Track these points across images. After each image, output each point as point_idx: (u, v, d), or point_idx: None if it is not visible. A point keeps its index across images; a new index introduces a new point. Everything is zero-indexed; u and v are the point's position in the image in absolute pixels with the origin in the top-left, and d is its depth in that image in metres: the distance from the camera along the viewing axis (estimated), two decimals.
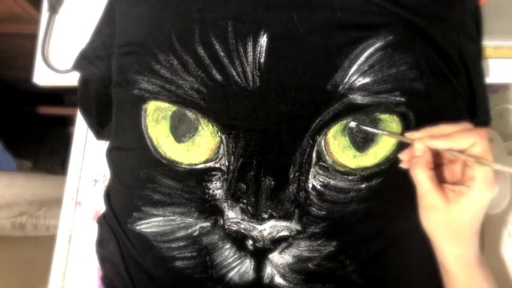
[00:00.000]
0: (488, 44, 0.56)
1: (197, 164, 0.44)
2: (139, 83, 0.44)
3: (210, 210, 0.44)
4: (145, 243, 0.46)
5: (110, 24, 0.50)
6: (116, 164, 0.49)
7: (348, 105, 0.42)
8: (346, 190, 0.43)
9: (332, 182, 0.43)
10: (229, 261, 0.44)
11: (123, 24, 0.48)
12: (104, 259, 0.52)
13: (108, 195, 0.51)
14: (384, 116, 0.42)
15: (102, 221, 0.52)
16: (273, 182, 0.43)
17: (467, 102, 0.47)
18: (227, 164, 0.43)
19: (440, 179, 0.39)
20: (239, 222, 0.43)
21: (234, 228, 0.44)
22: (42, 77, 0.64)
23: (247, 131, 0.43)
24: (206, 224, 0.44)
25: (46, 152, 1.55)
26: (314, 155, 0.43)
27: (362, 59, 0.41)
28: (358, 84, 0.41)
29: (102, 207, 0.53)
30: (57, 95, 1.46)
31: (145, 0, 0.46)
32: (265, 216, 0.43)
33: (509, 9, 0.54)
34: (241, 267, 0.44)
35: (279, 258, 0.44)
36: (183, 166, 0.44)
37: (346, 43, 0.41)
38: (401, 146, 0.43)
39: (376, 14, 0.42)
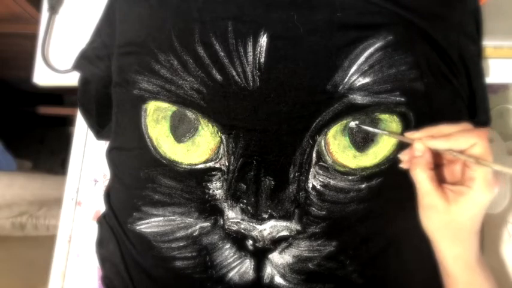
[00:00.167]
0: (488, 44, 0.56)
1: (197, 164, 0.44)
2: (139, 83, 0.44)
3: (210, 210, 0.44)
4: (145, 243, 0.46)
5: (110, 24, 0.50)
6: (116, 164, 0.49)
7: (348, 105, 0.42)
8: (346, 190, 0.43)
9: (332, 182, 0.43)
10: (229, 261, 0.44)
11: (123, 24, 0.48)
12: (104, 259, 0.52)
13: (108, 195, 0.51)
14: (384, 116, 0.42)
15: (102, 221, 0.52)
16: (273, 182, 0.43)
17: (467, 102, 0.47)
18: (227, 164, 0.43)
19: (440, 179, 0.39)
20: (239, 222, 0.43)
21: (234, 228, 0.44)
22: (42, 77, 0.64)
23: (247, 131, 0.43)
24: (206, 224, 0.44)
25: (46, 152, 1.55)
26: (314, 155, 0.43)
27: (362, 59, 0.41)
28: (358, 84, 0.41)
29: (102, 207, 0.53)
30: (57, 95, 1.46)
31: (145, 0, 0.46)
32: (265, 216, 0.43)
33: (509, 9, 0.54)
34: (241, 267, 0.44)
35: (279, 258, 0.44)
36: (183, 166, 0.44)
37: (346, 43, 0.41)
38: (401, 146, 0.43)
39: (376, 14, 0.42)
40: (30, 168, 1.18)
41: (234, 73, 0.42)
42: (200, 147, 0.44)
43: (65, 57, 0.63)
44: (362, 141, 0.43)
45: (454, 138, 0.37)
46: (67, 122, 1.52)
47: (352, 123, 0.42)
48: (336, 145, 0.43)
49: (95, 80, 0.53)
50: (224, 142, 0.43)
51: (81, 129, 0.64)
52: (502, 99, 0.63)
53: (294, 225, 0.43)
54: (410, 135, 0.40)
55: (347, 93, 0.41)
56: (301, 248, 0.44)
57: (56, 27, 0.65)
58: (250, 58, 0.42)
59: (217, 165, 0.44)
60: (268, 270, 0.44)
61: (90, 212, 0.61)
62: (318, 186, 0.43)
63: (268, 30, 0.42)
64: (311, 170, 0.43)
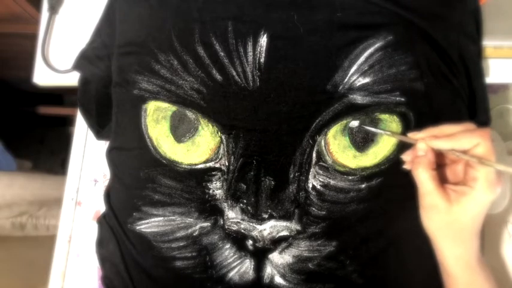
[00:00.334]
0: (488, 44, 0.56)
1: (197, 164, 0.44)
2: (139, 83, 0.44)
3: (210, 210, 0.44)
4: (145, 243, 0.46)
5: (110, 24, 0.50)
6: (116, 164, 0.49)
7: (348, 105, 0.42)
8: (346, 190, 0.43)
9: (332, 182, 0.43)
10: (229, 261, 0.44)
11: (123, 24, 0.48)
12: (104, 259, 0.52)
13: (108, 195, 0.51)
14: (384, 116, 0.42)
15: (102, 221, 0.52)
16: (273, 182, 0.43)
17: (467, 102, 0.47)
18: (227, 164, 0.43)
19: (442, 179, 0.39)
20: (239, 222, 0.43)
21: (234, 228, 0.44)
22: (42, 77, 0.64)
23: (247, 131, 0.43)
24: (206, 224, 0.44)
25: (46, 152, 1.55)
26: (314, 155, 0.43)
27: (362, 59, 0.41)
28: (358, 84, 0.41)
29: (102, 207, 0.53)
30: (57, 95, 1.46)
31: (145, 0, 0.46)
32: (265, 216, 0.43)
33: (509, 9, 0.54)
34: (241, 267, 0.44)
35: (279, 258, 0.44)
36: (183, 166, 0.44)
37: (346, 43, 0.41)
38: (402, 146, 0.43)
39: (376, 14, 0.42)
40: (30, 168, 1.18)
41: (234, 73, 0.42)
42: (200, 147, 0.44)
43: (65, 57, 0.63)
44: (362, 141, 0.43)
45: (456, 138, 0.37)
46: (67, 122, 1.52)
47: (355, 123, 0.42)
48: (336, 145, 0.43)
49: (95, 80, 0.53)
50: (224, 142, 0.43)
51: (81, 129, 0.64)
52: (502, 99, 0.63)
53: (294, 225, 0.43)
54: (413, 135, 0.40)
55: (347, 93, 0.41)
56: (301, 248, 0.44)
57: (56, 27, 0.65)
58: (250, 58, 0.42)
59: (217, 165, 0.44)
60: (268, 270, 0.44)
61: (90, 212, 0.61)
62: (318, 186, 0.43)
63: (268, 30, 0.42)
64: (311, 170, 0.43)
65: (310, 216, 0.43)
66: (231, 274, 0.44)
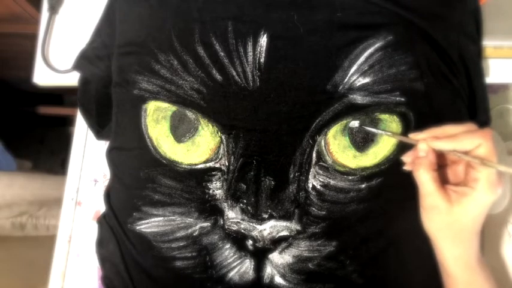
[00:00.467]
0: (488, 44, 0.56)
1: (197, 164, 0.44)
2: (139, 83, 0.44)
3: (210, 210, 0.44)
4: (145, 243, 0.46)
5: (110, 24, 0.50)
6: (116, 164, 0.49)
7: (348, 105, 0.42)
8: (346, 190, 0.43)
9: (332, 182, 0.43)
10: (229, 261, 0.44)
11: (123, 24, 0.48)
12: (104, 259, 0.52)
13: (108, 195, 0.51)
14: (384, 116, 0.42)
15: (102, 221, 0.52)
16: (273, 182, 0.43)
17: (467, 102, 0.47)
18: (227, 164, 0.43)
19: (442, 180, 0.39)
20: (239, 222, 0.43)
21: (234, 228, 0.44)
22: (42, 77, 0.64)
23: (247, 131, 0.43)
24: (206, 224, 0.44)
25: (46, 152, 1.55)
26: (314, 155, 0.43)
27: (362, 59, 0.41)
28: (358, 84, 0.41)
29: (102, 207, 0.53)
30: (57, 95, 1.46)
31: (145, 0, 0.46)
32: (265, 216, 0.43)
33: (509, 9, 0.54)
34: (241, 267, 0.44)
35: (279, 258, 0.44)
36: (183, 166, 0.44)
37: (346, 43, 0.41)
38: (402, 146, 0.43)
39: (376, 14, 0.42)
40: (30, 168, 1.18)
41: (234, 73, 0.42)
42: (200, 147, 0.44)
43: (65, 57, 0.63)
44: (362, 141, 0.43)
45: (458, 139, 0.37)
46: (67, 122, 1.52)
47: (355, 123, 0.42)
48: (336, 145, 0.43)
49: (95, 80, 0.53)
50: (224, 142, 0.43)
51: (81, 129, 0.64)
52: (502, 99, 0.63)
53: (294, 225, 0.43)
54: (414, 136, 0.40)
55: (347, 93, 0.41)
56: (301, 248, 0.44)
57: (56, 27, 0.65)
58: (250, 58, 0.42)
59: (217, 165, 0.44)
60: (268, 270, 0.44)
61: (90, 212, 0.61)
62: (318, 186, 0.43)
63: (268, 30, 0.42)
64: (311, 170, 0.43)
65: (310, 216, 0.43)
66: (231, 274, 0.44)
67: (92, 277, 0.58)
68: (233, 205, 0.44)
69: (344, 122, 0.42)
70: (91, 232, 0.59)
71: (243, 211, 0.43)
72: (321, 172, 0.43)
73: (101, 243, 0.52)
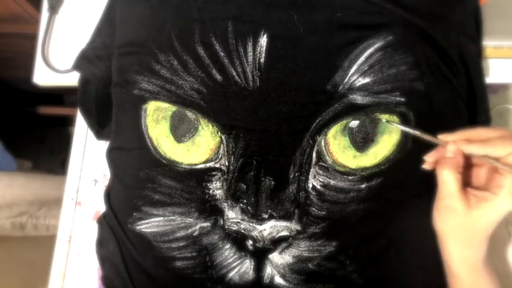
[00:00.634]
0: (488, 44, 0.56)
1: (197, 164, 0.44)
2: (139, 83, 0.44)
3: (210, 210, 0.44)
4: (146, 243, 0.46)
5: (110, 24, 0.50)
6: (116, 164, 0.49)
7: (348, 105, 0.42)
8: (346, 190, 0.43)
9: (332, 182, 0.43)
10: (229, 261, 0.44)
11: (123, 25, 0.48)
12: (104, 259, 0.52)
13: (108, 195, 0.51)
14: (384, 116, 0.42)
15: (102, 221, 0.52)
16: (273, 182, 0.43)
17: (467, 102, 0.47)
18: (227, 164, 0.43)
19: (464, 182, 0.38)
20: (239, 222, 0.43)
21: (234, 229, 0.44)
22: (42, 77, 0.64)
23: (247, 131, 0.43)
24: (206, 224, 0.44)
25: (46, 152, 1.55)
26: (314, 155, 0.43)
27: (362, 59, 0.41)
28: (358, 84, 0.41)
29: (102, 207, 0.53)
30: (57, 95, 1.46)
31: (145, 0, 0.46)
32: (265, 216, 0.43)
33: (509, 9, 0.54)
34: (241, 268, 0.44)
35: (279, 258, 0.44)
36: (183, 166, 0.44)
37: (346, 43, 0.41)
38: (402, 146, 0.43)
39: (376, 14, 0.42)
40: (30, 168, 1.18)
41: (234, 73, 0.42)
42: (200, 147, 0.44)
43: (65, 57, 0.63)
44: (362, 142, 0.43)
45: (491, 144, 0.36)
46: (67, 122, 1.52)
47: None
48: (336, 145, 0.43)
49: (95, 80, 0.53)
50: (224, 142, 0.43)
51: (81, 129, 0.64)
52: (502, 99, 0.63)
53: (294, 225, 0.43)
54: (444, 137, 0.39)
55: (347, 93, 0.41)
56: (301, 248, 0.44)
57: (56, 27, 0.65)
58: (250, 58, 0.42)
59: (217, 165, 0.44)
60: (268, 270, 0.44)
61: (90, 212, 0.61)
62: (318, 186, 0.43)
63: (268, 30, 0.42)
64: (311, 170, 0.43)
65: (310, 217, 0.43)
66: (231, 274, 0.44)
67: (92, 277, 0.58)
68: (233, 205, 0.44)
69: (344, 122, 0.42)
70: (91, 232, 0.59)
71: (243, 211, 0.43)
72: (321, 172, 0.43)
73: (101, 243, 0.52)
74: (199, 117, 0.43)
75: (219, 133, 0.43)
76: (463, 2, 0.46)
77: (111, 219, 0.49)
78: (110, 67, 0.50)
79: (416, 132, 0.41)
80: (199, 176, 0.44)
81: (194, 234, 0.45)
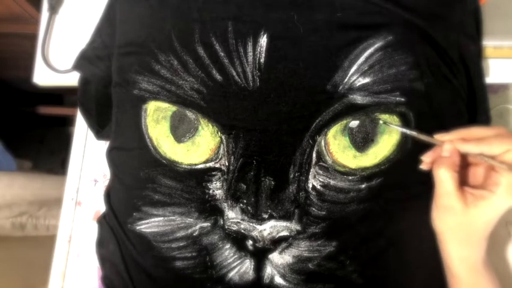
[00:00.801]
0: (488, 44, 0.56)
1: (197, 164, 0.44)
2: (139, 83, 0.44)
3: (210, 210, 0.44)
4: (146, 243, 0.46)
5: (110, 24, 0.50)
6: (116, 164, 0.49)
7: (347, 105, 0.42)
8: (346, 190, 0.43)
9: (332, 182, 0.43)
10: (229, 261, 0.44)
11: (123, 25, 0.48)
12: (104, 259, 0.52)
13: (108, 195, 0.51)
14: (384, 116, 0.42)
15: (102, 221, 0.52)
16: (273, 182, 0.43)
17: (467, 102, 0.47)
18: (227, 164, 0.43)
19: (461, 181, 0.38)
20: (239, 222, 0.43)
21: (234, 229, 0.44)
22: (42, 77, 0.64)
23: (247, 131, 0.43)
24: (206, 224, 0.44)
25: (46, 152, 1.55)
26: (314, 155, 0.43)
27: (362, 59, 0.41)
28: (358, 84, 0.41)
29: (102, 207, 0.53)
30: (57, 95, 1.46)
31: (145, 0, 0.46)
32: (265, 216, 0.43)
33: (509, 9, 0.54)
34: (241, 268, 0.44)
35: (279, 258, 0.44)
36: (183, 166, 0.44)
37: (346, 43, 0.41)
38: (402, 146, 0.43)
39: (376, 14, 0.42)
40: (30, 168, 1.18)
41: (234, 73, 0.42)
42: (200, 147, 0.44)
43: (65, 57, 0.63)
44: (362, 142, 0.43)
45: (487, 142, 0.36)
46: (67, 122, 1.52)
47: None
48: (336, 145, 0.43)
49: (95, 80, 0.53)
50: (224, 142, 0.43)
51: (81, 129, 0.64)
52: (502, 99, 0.63)
53: (294, 226, 0.43)
54: (440, 137, 0.39)
55: (347, 93, 0.41)
56: (301, 248, 0.44)
57: (56, 27, 0.65)
58: (250, 58, 0.42)
59: (217, 165, 0.44)
60: (268, 270, 0.44)
61: (90, 212, 0.61)
62: (318, 187, 0.43)
63: (268, 30, 0.42)
64: (311, 170, 0.43)
65: (310, 217, 0.43)
66: (231, 274, 0.44)
67: (92, 277, 0.58)
68: (233, 205, 0.44)
69: (344, 122, 0.42)
70: (91, 232, 0.59)
71: (243, 211, 0.43)
72: (321, 172, 0.43)
73: (101, 244, 0.52)
74: (199, 117, 0.43)
75: (219, 133, 0.43)
76: (463, 2, 0.46)
77: (111, 219, 0.49)
78: (110, 67, 0.50)
79: (413, 133, 0.41)
80: (199, 176, 0.44)
81: (194, 234, 0.45)
